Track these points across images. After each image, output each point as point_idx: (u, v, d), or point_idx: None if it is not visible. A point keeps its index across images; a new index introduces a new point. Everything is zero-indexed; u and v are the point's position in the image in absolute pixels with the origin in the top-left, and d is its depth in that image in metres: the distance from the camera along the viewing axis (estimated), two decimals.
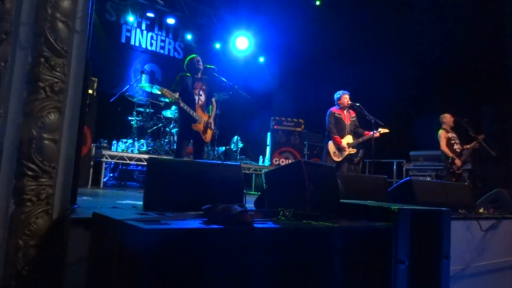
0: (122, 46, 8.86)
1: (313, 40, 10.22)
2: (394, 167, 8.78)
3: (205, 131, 4.92)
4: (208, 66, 5.02)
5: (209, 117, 4.97)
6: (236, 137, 8.41)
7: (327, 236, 1.85)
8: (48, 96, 1.84)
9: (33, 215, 1.79)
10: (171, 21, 9.22)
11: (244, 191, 2.59)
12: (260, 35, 10.89)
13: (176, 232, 1.44)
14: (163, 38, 9.63)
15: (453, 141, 6.30)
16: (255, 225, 1.67)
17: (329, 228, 1.88)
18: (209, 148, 7.41)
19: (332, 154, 5.74)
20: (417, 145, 8.08)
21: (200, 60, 4.98)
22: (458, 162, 6.11)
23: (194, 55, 5.07)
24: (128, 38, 9.00)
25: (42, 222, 1.81)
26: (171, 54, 9.82)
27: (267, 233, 1.66)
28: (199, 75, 4.99)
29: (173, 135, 7.04)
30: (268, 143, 8.64)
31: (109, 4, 8.58)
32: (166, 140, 7.12)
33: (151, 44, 9.42)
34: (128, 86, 6.78)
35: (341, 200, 2.53)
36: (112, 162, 6.15)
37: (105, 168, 5.86)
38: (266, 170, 5.79)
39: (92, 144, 5.67)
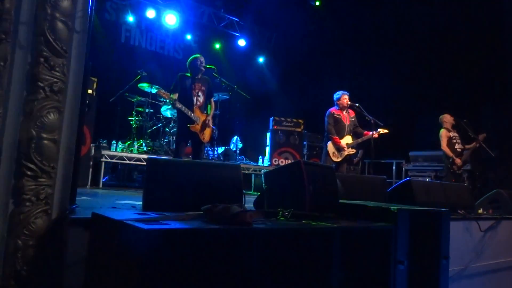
0: (122, 46, 8.85)
1: (313, 40, 10.22)
2: (394, 167, 8.79)
3: (202, 132, 4.91)
4: (208, 66, 5.01)
5: (207, 117, 4.96)
6: (235, 137, 8.41)
7: (326, 237, 1.85)
8: (47, 96, 1.84)
9: (32, 215, 1.78)
10: (170, 21, 9.21)
11: (244, 191, 2.59)
12: (260, 35, 10.90)
13: (176, 232, 1.44)
14: (162, 38, 9.62)
15: (454, 141, 6.29)
16: (254, 225, 1.67)
17: (329, 229, 1.88)
18: (209, 148, 7.41)
19: (331, 155, 5.74)
20: (416, 145, 8.08)
21: (204, 62, 4.95)
22: (458, 161, 6.10)
23: (198, 55, 5.04)
24: (127, 38, 9.00)
25: (41, 222, 1.81)
26: (171, 54, 9.81)
27: (267, 234, 1.66)
28: (200, 75, 4.97)
29: (173, 135, 7.04)
30: (267, 144, 8.64)
31: (109, 4, 8.58)
32: (165, 140, 7.12)
33: (151, 44, 9.42)
34: (127, 86, 6.77)
35: (340, 201, 2.53)
36: (112, 162, 6.14)
37: (105, 168, 5.85)
38: (265, 170, 5.79)
39: (91, 144, 5.67)
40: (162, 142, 7.06)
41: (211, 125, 5.02)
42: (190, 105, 4.82)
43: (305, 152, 8.74)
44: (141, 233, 1.38)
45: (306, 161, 2.42)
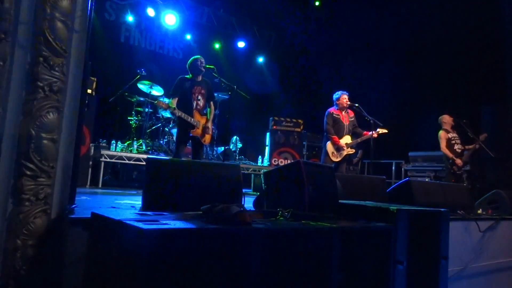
0: (121, 45, 8.84)
1: (313, 41, 10.23)
2: (393, 167, 8.79)
3: (203, 135, 4.91)
4: (207, 66, 5.00)
5: (207, 120, 4.95)
6: (235, 137, 8.41)
7: (325, 237, 1.85)
8: (47, 95, 1.84)
9: (32, 214, 1.78)
10: (170, 21, 9.20)
11: (243, 191, 2.59)
12: (260, 35, 10.90)
13: (175, 232, 1.44)
14: (162, 38, 9.61)
15: (453, 141, 6.29)
16: (253, 225, 1.67)
17: (328, 229, 1.88)
18: (208, 148, 7.40)
19: (330, 155, 5.74)
20: (416, 145, 8.08)
21: (204, 62, 4.93)
22: (459, 162, 6.11)
23: (198, 56, 5.02)
24: (127, 38, 8.99)
25: (41, 222, 1.81)
26: (170, 54, 9.80)
27: (266, 234, 1.66)
28: (200, 78, 4.95)
29: (172, 135, 7.03)
30: (267, 144, 8.64)
31: (108, 3, 8.57)
32: (165, 140, 7.12)
33: (150, 44, 9.41)
34: (127, 86, 6.76)
35: (340, 201, 2.53)
36: (111, 162, 6.14)
37: (104, 168, 5.85)
38: (265, 170, 5.79)
39: (90, 144, 5.67)
40: (161, 142, 7.06)
41: (210, 132, 5.01)
42: (189, 109, 4.81)
43: (304, 152, 8.74)
44: (140, 233, 1.38)
45: (305, 161, 2.42)
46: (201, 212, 1.77)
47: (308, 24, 10.30)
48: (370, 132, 5.69)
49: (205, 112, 5.01)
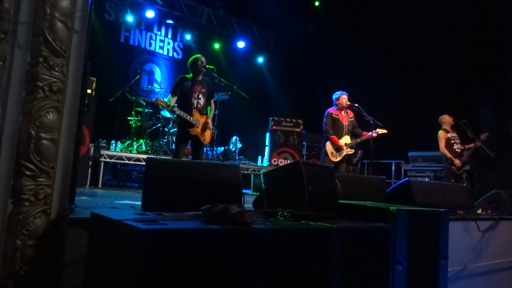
0: (121, 46, 8.85)
1: (312, 41, 10.23)
2: (393, 167, 8.79)
3: (203, 134, 4.91)
4: (207, 66, 5.00)
5: (207, 118, 4.96)
6: (235, 137, 8.41)
7: (325, 237, 1.85)
8: (46, 95, 1.84)
9: (31, 215, 1.78)
10: (170, 21, 9.22)
11: (243, 191, 2.59)
12: (259, 35, 10.90)
13: (175, 232, 1.44)
14: (162, 38, 9.63)
15: (453, 141, 6.30)
16: (253, 225, 1.67)
17: (328, 229, 1.88)
18: (208, 149, 7.40)
19: (330, 155, 5.74)
20: (415, 145, 8.09)
21: (205, 62, 4.93)
22: (457, 162, 6.12)
23: (199, 55, 5.01)
24: (127, 38, 9.00)
25: (40, 222, 1.81)
26: (170, 54, 9.81)
27: (266, 234, 1.66)
28: (200, 77, 4.95)
29: (172, 135, 7.04)
30: (267, 144, 8.64)
31: (108, 3, 8.58)
32: (164, 140, 7.12)
33: (150, 44, 9.42)
34: (127, 86, 6.77)
35: (339, 201, 2.53)
36: (111, 162, 6.14)
37: (104, 168, 5.85)
38: (264, 170, 5.79)
39: (90, 144, 5.66)
40: (161, 142, 7.06)
41: (211, 127, 5.02)
42: (189, 108, 4.81)
43: (304, 152, 8.74)
44: (140, 233, 1.38)
45: (305, 161, 2.42)
46: (200, 213, 1.77)
47: (308, 24, 10.31)
48: (370, 133, 5.69)
49: (205, 111, 5.01)
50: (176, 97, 4.82)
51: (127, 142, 6.68)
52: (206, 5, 9.87)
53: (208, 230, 1.52)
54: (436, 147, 6.47)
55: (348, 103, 5.86)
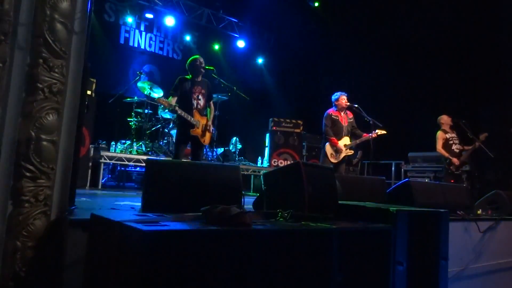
0: (121, 47, 8.85)
1: (312, 41, 10.23)
2: (393, 168, 8.78)
3: (203, 135, 4.91)
4: (207, 67, 5.00)
5: (207, 120, 4.96)
6: (234, 138, 8.41)
7: (325, 238, 1.85)
8: (46, 97, 1.84)
9: (31, 216, 1.78)
10: (170, 22, 9.22)
11: (243, 192, 2.59)
12: (259, 36, 10.91)
13: (175, 233, 1.44)
14: (162, 39, 9.63)
15: (451, 142, 6.32)
16: (253, 226, 1.67)
17: (328, 230, 1.88)
18: (208, 150, 7.40)
19: (329, 156, 5.74)
20: (415, 146, 8.07)
21: (203, 62, 4.92)
22: (456, 161, 6.15)
23: (197, 56, 5.01)
24: (126, 39, 9.00)
25: (40, 223, 1.81)
26: (170, 55, 9.82)
27: (266, 235, 1.66)
28: (200, 78, 4.95)
29: (172, 136, 7.03)
30: (266, 144, 8.64)
31: (108, 5, 8.58)
32: (164, 141, 7.12)
33: (150, 45, 9.42)
34: (126, 87, 6.77)
35: (339, 202, 2.53)
36: (111, 163, 6.14)
37: (104, 169, 5.85)
38: (264, 171, 5.79)
39: (90, 145, 5.66)
40: (161, 143, 7.06)
41: (211, 130, 5.02)
42: (189, 109, 4.81)
43: (304, 153, 8.73)
44: (140, 234, 1.38)
45: (305, 162, 2.42)
46: (200, 214, 1.77)
47: (308, 25, 10.31)
48: (369, 134, 5.68)
49: (205, 112, 5.01)
50: (176, 98, 4.82)
51: (127, 143, 6.68)
52: (206, 6, 9.88)
53: (208, 231, 1.52)
54: (436, 147, 6.48)
55: (348, 103, 5.85)
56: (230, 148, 8.30)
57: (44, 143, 1.83)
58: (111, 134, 6.63)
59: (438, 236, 2.49)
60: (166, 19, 9.10)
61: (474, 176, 7.21)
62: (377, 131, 5.76)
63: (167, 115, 6.98)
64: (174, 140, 6.61)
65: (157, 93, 6.92)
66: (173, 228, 1.48)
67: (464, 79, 7.74)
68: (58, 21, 1.88)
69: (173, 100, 4.79)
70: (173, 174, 2.38)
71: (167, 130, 7.13)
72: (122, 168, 6.95)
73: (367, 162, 8.11)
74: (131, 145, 6.58)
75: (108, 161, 5.80)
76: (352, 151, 5.89)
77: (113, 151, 6.11)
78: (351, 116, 5.96)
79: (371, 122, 5.68)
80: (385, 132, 5.82)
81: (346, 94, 5.92)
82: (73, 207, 2.11)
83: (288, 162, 7.80)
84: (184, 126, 4.84)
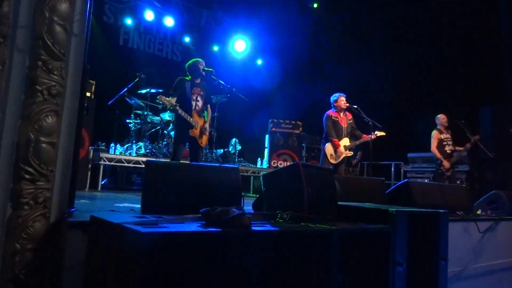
0: (120, 48, 8.85)
1: (311, 42, 10.25)
2: (392, 169, 8.79)
3: (201, 136, 4.94)
4: (206, 68, 5.01)
5: (205, 122, 4.99)
6: (234, 139, 8.41)
7: (325, 239, 1.85)
8: (45, 99, 1.84)
9: (31, 218, 1.78)
10: (169, 23, 9.22)
11: (242, 193, 2.59)
12: (258, 38, 10.91)
13: (174, 235, 1.44)
14: (161, 40, 9.63)
15: (445, 143, 6.42)
16: (253, 228, 1.67)
17: (327, 231, 1.88)
18: (207, 151, 7.40)
19: (329, 157, 5.74)
20: (415, 147, 8.09)
21: (204, 66, 4.96)
22: (445, 163, 6.28)
23: (199, 59, 5.04)
24: (126, 41, 9.00)
25: (40, 226, 1.81)
26: (169, 57, 9.82)
27: (265, 236, 1.66)
28: (199, 80, 4.98)
29: (171, 138, 7.03)
30: (266, 146, 8.64)
31: (107, 6, 8.58)
32: (164, 143, 7.11)
33: (149, 47, 9.42)
34: (126, 88, 6.76)
35: (339, 203, 2.53)
36: (110, 165, 6.13)
37: (103, 171, 5.84)
38: (264, 172, 5.79)
39: (90, 147, 5.66)
40: (160, 144, 7.05)
41: (207, 133, 5.03)
42: (188, 110, 4.83)
43: (303, 154, 8.74)
44: (139, 236, 1.38)
45: (304, 163, 2.42)
46: (200, 215, 1.77)
47: (306, 25, 10.32)
48: (369, 135, 5.69)
49: (203, 114, 5.03)
50: (175, 98, 4.83)
51: (127, 145, 6.67)
52: (205, 7, 9.89)
53: (207, 232, 1.52)
54: None
55: (347, 105, 5.85)
56: (230, 149, 8.29)
57: (44, 145, 1.83)
58: (111, 135, 6.62)
59: (438, 236, 2.49)
60: (165, 20, 9.11)
61: (474, 176, 7.22)
62: (376, 132, 5.76)
63: (167, 117, 6.98)
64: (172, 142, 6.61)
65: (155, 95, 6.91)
66: (172, 230, 1.48)
67: (464, 79, 7.75)
68: (57, 23, 1.88)
69: (172, 101, 4.80)
70: (173, 175, 2.38)
71: (166, 132, 7.13)
72: (122, 170, 6.95)
73: (367, 163, 8.12)
74: (130, 147, 6.58)
75: (107, 163, 5.80)
76: (352, 152, 5.89)
77: (113, 153, 6.11)
78: (350, 117, 5.96)
79: (370, 123, 5.68)
80: (384, 133, 5.82)
81: (345, 95, 5.92)
82: (73, 209, 2.11)
83: (288, 163, 7.80)
84: (183, 126, 4.85)
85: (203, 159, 6.88)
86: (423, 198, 3.67)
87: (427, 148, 7.15)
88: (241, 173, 3.08)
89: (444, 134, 6.44)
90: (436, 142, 6.40)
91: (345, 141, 5.79)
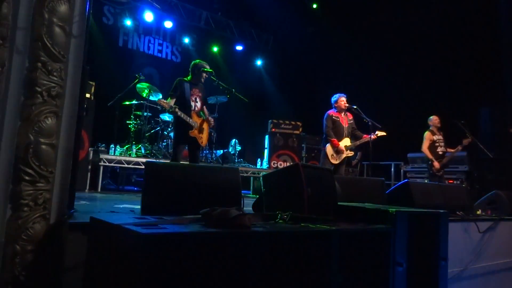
0: (120, 50, 8.86)
1: (311, 43, 10.25)
2: (392, 169, 8.79)
3: (200, 136, 4.95)
4: (206, 69, 5.02)
5: (204, 121, 5.01)
6: (234, 140, 8.41)
7: (325, 239, 1.85)
8: (45, 100, 1.84)
9: (30, 220, 1.78)
10: (168, 24, 9.24)
11: (242, 194, 2.59)
12: (258, 38, 10.92)
13: (174, 236, 1.44)
14: (160, 41, 9.64)
15: (437, 144, 6.52)
16: (253, 228, 1.67)
17: (327, 231, 1.88)
18: (207, 152, 7.40)
19: (330, 157, 5.74)
20: (415, 147, 8.08)
21: (208, 75, 5.00)
22: (436, 164, 6.38)
23: (204, 63, 5.07)
24: (125, 42, 9.01)
25: (40, 227, 1.81)
26: (169, 58, 9.83)
27: (265, 237, 1.66)
28: (198, 81, 5.02)
29: (171, 139, 7.03)
30: (266, 146, 8.65)
31: (107, 8, 8.59)
32: (163, 144, 7.12)
33: (149, 48, 9.43)
34: (125, 90, 6.76)
35: (339, 203, 2.53)
36: (110, 166, 6.13)
37: (103, 172, 5.84)
38: (264, 173, 5.78)
39: (89, 148, 5.66)
40: (160, 145, 7.05)
41: (207, 133, 5.06)
42: (188, 110, 4.85)
43: (303, 155, 8.74)
44: (139, 237, 1.38)
45: (304, 163, 2.42)
46: (200, 216, 1.77)
47: (306, 26, 10.33)
48: (369, 135, 5.69)
49: (201, 114, 5.06)
50: (175, 99, 4.84)
51: (126, 146, 6.67)
52: (205, 8, 9.89)
53: (207, 233, 1.52)
54: None
55: (347, 105, 5.86)
56: (230, 150, 8.30)
57: (43, 146, 1.83)
58: (110, 137, 6.62)
59: (438, 236, 2.49)
60: (164, 21, 9.12)
61: (474, 176, 7.23)
62: (377, 132, 5.76)
63: (166, 118, 6.98)
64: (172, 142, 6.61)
65: (156, 95, 6.91)
66: (172, 231, 1.48)
67: (463, 80, 7.75)
68: (57, 24, 1.88)
69: (171, 102, 4.81)
70: (173, 176, 2.38)
71: (166, 133, 7.13)
72: (122, 171, 6.94)
73: (367, 163, 8.12)
74: (130, 148, 6.57)
75: (107, 164, 5.80)
76: (353, 152, 5.89)
77: (112, 154, 6.10)
78: (351, 117, 5.97)
79: (370, 123, 5.68)
80: (385, 133, 5.83)
81: (345, 96, 5.93)
82: (73, 211, 2.11)
83: (288, 164, 7.80)
84: (182, 127, 4.86)
85: (203, 160, 6.89)
86: (423, 198, 3.67)
87: None
88: (241, 174, 3.08)
89: (436, 135, 6.53)
90: (428, 143, 6.51)
91: (346, 141, 5.80)
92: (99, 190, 5.59)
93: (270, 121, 8.61)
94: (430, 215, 2.52)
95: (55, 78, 1.88)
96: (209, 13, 9.96)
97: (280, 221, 2.00)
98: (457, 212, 3.77)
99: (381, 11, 8.72)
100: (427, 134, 6.55)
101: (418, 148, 7.89)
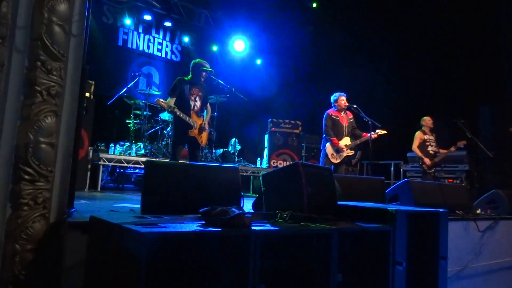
0: (119, 49, 8.85)
1: (310, 42, 10.25)
2: (392, 168, 8.79)
3: (200, 135, 4.94)
4: (206, 69, 5.02)
5: (203, 121, 5.00)
6: (234, 139, 8.40)
7: (324, 238, 1.85)
8: (44, 99, 1.84)
9: (30, 219, 1.78)
10: (168, 23, 9.23)
11: (242, 193, 2.59)
12: (257, 37, 10.91)
13: (174, 235, 1.44)
14: (160, 40, 9.63)
15: (428, 143, 6.56)
16: (252, 227, 1.67)
17: (327, 230, 1.88)
18: (207, 151, 7.40)
19: (330, 156, 5.74)
20: None
21: (208, 75, 4.99)
22: (427, 161, 6.40)
23: (205, 62, 5.06)
24: (125, 41, 9.00)
25: (39, 226, 1.81)
26: (168, 57, 9.82)
27: (265, 236, 1.66)
28: (198, 81, 5.01)
29: (171, 138, 7.02)
30: (266, 145, 8.64)
31: (106, 7, 8.58)
32: (163, 143, 7.11)
33: (148, 47, 9.42)
34: (125, 89, 6.76)
35: (338, 202, 2.53)
36: (110, 165, 6.13)
37: (103, 171, 5.84)
38: (264, 172, 5.78)
39: (89, 147, 5.66)
40: (160, 144, 7.05)
41: (207, 128, 5.05)
42: (187, 110, 4.84)
43: (303, 154, 8.73)
44: (139, 236, 1.38)
45: (304, 163, 2.42)
46: (200, 215, 1.77)
47: (306, 25, 10.32)
48: (369, 134, 5.69)
49: (202, 114, 5.04)
50: (174, 99, 4.84)
51: (126, 145, 6.67)
52: (204, 7, 9.88)
53: (207, 232, 1.52)
54: None
55: (347, 104, 5.85)
56: (229, 149, 8.29)
57: (43, 146, 1.83)
58: (110, 136, 6.62)
59: (438, 235, 2.49)
60: (164, 20, 9.11)
61: (473, 175, 7.23)
62: (378, 130, 5.76)
63: (166, 117, 6.98)
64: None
65: (155, 94, 6.91)
66: (172, 230, 1.48)
67: (463, 79, 7.75)
68: (56, 23, 1.88)
69: (171, 101, 4.81)
70: (172, 175, 2.38)
71: (166, 132, 7.13)
72: (121, 170, 6.94)
73: (367, 162, 8.12)
74: (130, 147, 6.57)
75: (107, 163, 5.79)
76: (353, 152, 5.89)
77: (112, 153, 6.10)
78: (351, 116, 5.96)
79: (369, 122, 5.68)
80: (385, 132, 5.83)
81: (345, 95, 5.93)
82: (72, 210, 2.11)
83: (287, 163, 7.80)
84: (182, 127, 4.85)
85: (202, 159, 6.88)
86: (423, 198, 3.67)
87: None
88: (241, 173, 3.08)
89: (427, 135, 6.61)
90: (418, 142, 6.56)
91: (346, 140, 5.79)
92: (99, 189, 5.59)
93: (269, 120, 8.61)
94: (429, 214, 2.52)
95: (55, 77, 1.87)
96: (208, 12, 9.95)
97: (280, 220, 2.00)
98: (457, 211, 3.77)
99: (381, 11, 8.71)
100: (418, 133, 6.63)
101: None
